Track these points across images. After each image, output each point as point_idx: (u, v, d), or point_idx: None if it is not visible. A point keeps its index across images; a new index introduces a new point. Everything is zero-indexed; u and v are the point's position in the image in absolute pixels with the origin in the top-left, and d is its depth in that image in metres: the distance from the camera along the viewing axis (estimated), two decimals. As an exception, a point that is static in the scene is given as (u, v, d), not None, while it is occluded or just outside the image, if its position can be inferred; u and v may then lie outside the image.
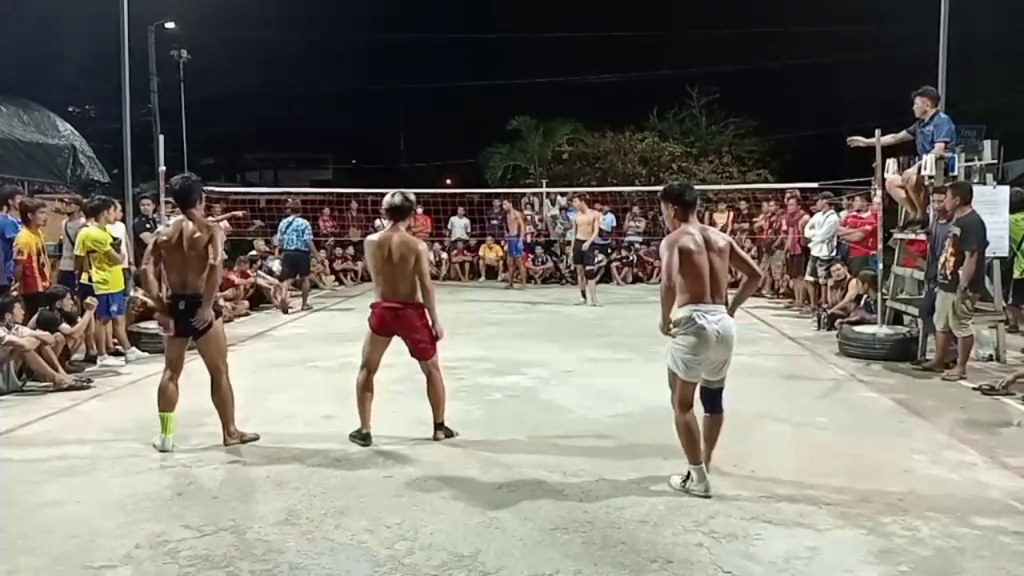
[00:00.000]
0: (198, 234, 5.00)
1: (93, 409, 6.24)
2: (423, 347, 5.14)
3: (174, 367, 5.13)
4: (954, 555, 3.49)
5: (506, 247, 16.54)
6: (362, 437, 5.10)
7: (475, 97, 33.22)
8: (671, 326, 4.24)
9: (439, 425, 5.23)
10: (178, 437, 5.26)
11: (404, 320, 5.06)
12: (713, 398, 4.40)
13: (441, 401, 5.23)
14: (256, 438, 5.21)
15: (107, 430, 5.50)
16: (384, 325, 5.10)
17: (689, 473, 4.23)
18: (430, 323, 5.13)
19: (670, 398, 4.34)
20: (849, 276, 10.29)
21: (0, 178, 11.19)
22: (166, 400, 5.06)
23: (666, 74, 27.71)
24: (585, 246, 12.86)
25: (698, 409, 4.32)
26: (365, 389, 5.14)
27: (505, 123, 24.74)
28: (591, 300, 12.70)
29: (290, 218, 12.97)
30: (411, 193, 5.31)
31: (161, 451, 4.97)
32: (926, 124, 7.81)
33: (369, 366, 5.17)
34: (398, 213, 5.13)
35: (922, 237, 7.97)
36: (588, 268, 13.24)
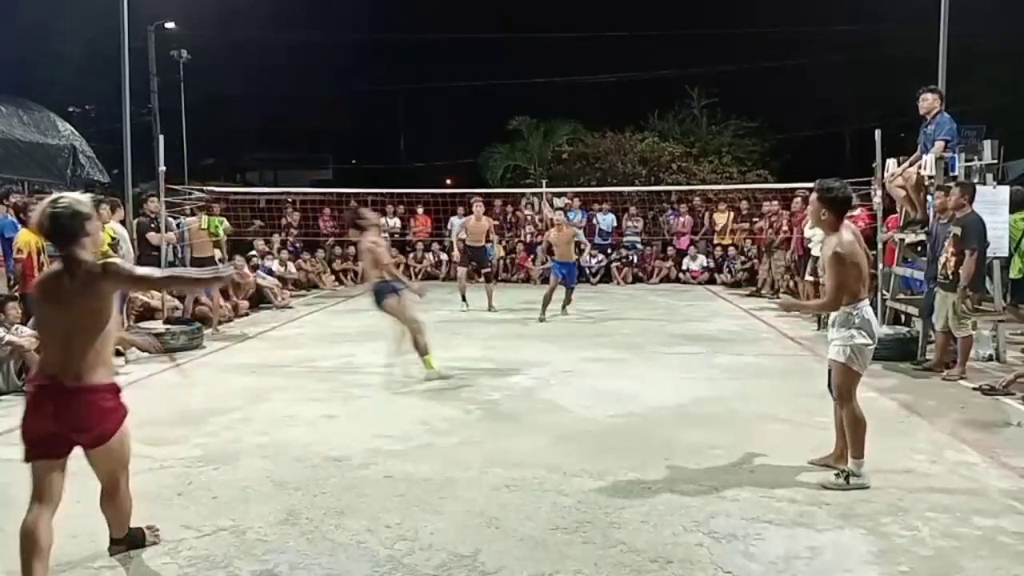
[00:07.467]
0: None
1: (93, 409, 6.21)
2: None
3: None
4: (954, 555, 3.49)
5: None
6: None
7: (475, 97, 33.22)
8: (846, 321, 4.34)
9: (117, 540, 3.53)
10: (178, 437, 5.27)
11: (74, 411, 3.21)
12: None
13: (125, 513, 3.51)
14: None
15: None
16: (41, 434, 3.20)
17: (850, 471, 4.29)
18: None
19: (842, 395, 4.37)
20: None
21: (0, 178, 11.22)
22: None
23: (666, 74, 27.70)
24: (564, 270, 11.03)
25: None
26: (35, 541, 3.06)
27: (505, 123, 24.74)
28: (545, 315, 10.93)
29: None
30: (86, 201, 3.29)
31: None
32: (928, 123, 7.82)
33: (41, 499, 3.16)
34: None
35: (922, 237, 7.98)
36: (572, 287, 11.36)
